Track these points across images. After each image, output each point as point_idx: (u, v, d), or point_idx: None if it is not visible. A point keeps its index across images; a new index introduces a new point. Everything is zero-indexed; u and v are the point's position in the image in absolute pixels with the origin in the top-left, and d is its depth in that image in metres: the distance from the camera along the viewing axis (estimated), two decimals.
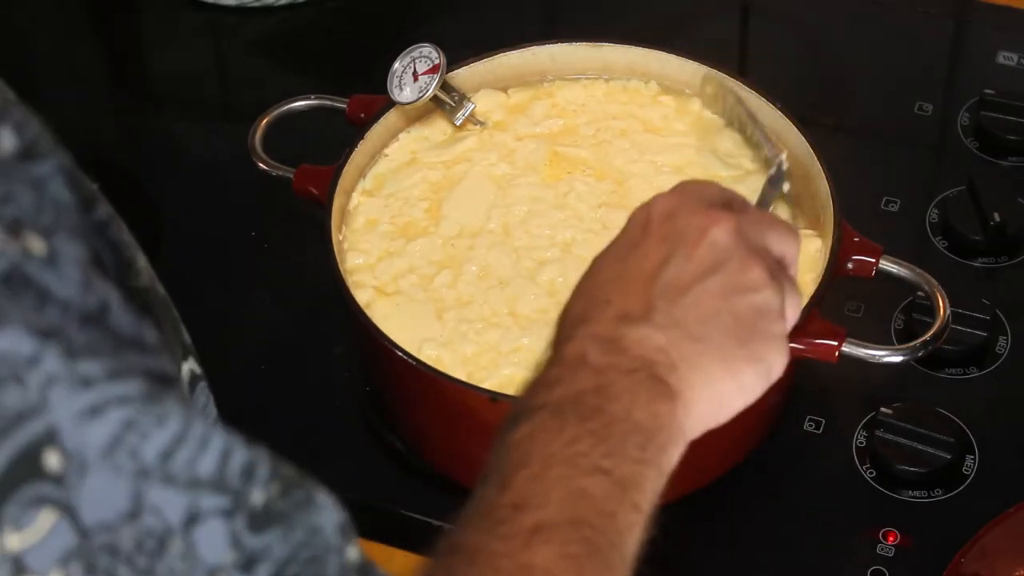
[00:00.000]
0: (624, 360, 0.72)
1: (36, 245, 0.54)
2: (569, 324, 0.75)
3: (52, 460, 0.51)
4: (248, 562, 0.54)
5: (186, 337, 0.74)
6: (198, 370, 0.74)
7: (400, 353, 0.96)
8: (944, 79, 1.28)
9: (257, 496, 0.55)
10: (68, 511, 0.51)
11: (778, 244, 0.80)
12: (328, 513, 0.58)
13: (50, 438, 0.51)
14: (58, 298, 0.53)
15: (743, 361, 0.75)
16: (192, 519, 0.53)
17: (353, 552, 0.58)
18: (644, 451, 0.70)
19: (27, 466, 0.51)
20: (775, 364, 0.77)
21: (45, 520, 0.51)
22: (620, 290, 0.75)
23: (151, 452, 0.53)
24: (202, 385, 0.75)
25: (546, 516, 0.67)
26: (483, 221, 1.06)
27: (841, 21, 1.32)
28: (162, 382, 0.55)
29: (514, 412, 0.72)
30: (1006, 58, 1.27)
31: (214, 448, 0.54)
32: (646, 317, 0.74)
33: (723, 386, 0.75)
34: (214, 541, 0.54)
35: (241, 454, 0.55)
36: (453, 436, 1.01)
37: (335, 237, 1.03)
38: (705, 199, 0.79)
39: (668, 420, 0.72)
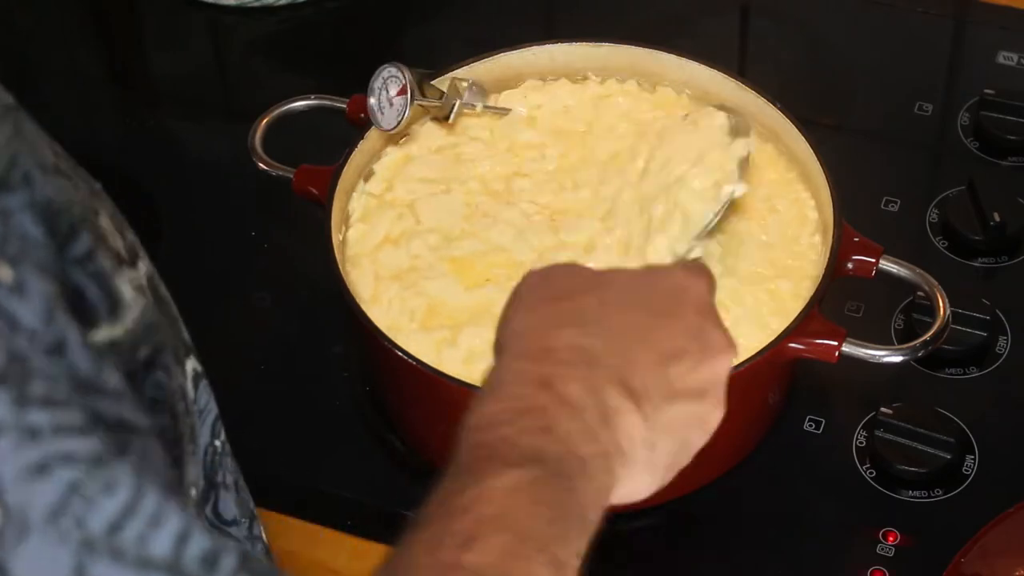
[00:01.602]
0: (609, 440, 0.69)
1: (4, 272, 0.52)
2: (576, 352, 0.71)
3: None
4: None
5: (186, 336, 0.74)
6: (199, 368, 0.74)
7: (400, 353, 0.96)
8: (944, 79, 1.28)
9: None
10: (1, 572, 0.49)
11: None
12: None
13: None
14: (25, 327, 0.52)
15: (656, 480, 0.74)
16: None
17: None
18: (583, 544, 0.67)
19: None
20: (656, 488, 0.75)
21: None
22: (638, 355, 0.72)
23: (98, 522, 0.50)
24: (204, 383, 0.75)
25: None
26: (483, 219, 1.06)
27: (841, 21, 1.32)
28: (119, 427, 0.53)
29: (494, 436, 0.68)
30: (1006, 58, 1.27)
31: (169, 527, 0.52)
32: (644, 401, 0.71)
33: (633, 490, 0.72)
34: None
35: (201, 540, 0.52)
36: (453, 436, 1.01)
37: (335, 237, 1.03)
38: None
39: (603, 515, 0.69)
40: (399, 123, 1.07)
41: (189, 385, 0.71)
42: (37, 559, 0.50)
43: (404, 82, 1.07)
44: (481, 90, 1.11)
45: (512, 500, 0.65)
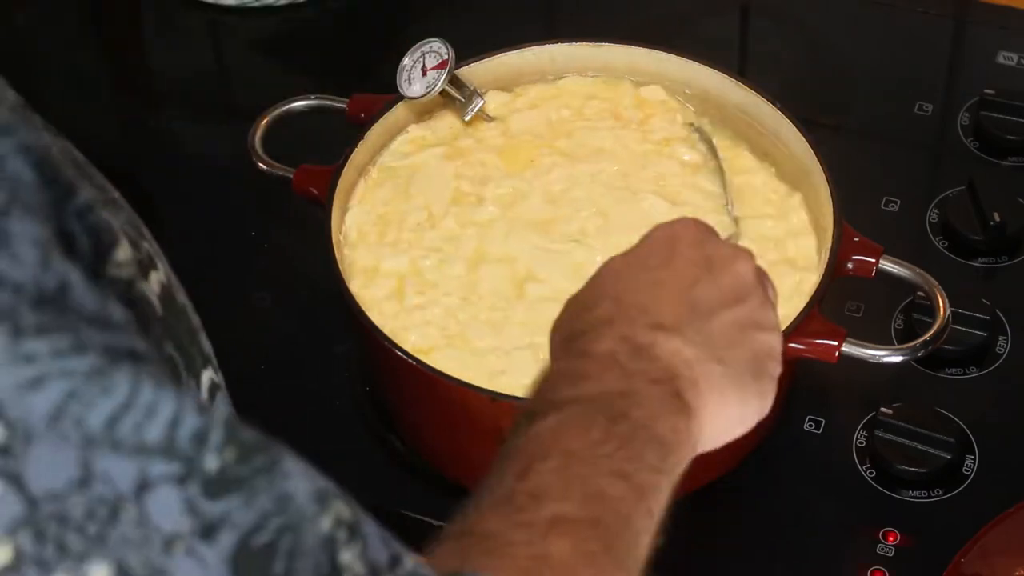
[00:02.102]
0: (652, 368, 0.74)
1: None
2: (593, 322, 0.76)
3: None
4: (207, 529, 0.53)
5: (205, 346, 0.74)
6: (218, 379, 0.74)
7: (400, 353, 0.96)
8: (944, 79, 1.28)
9: (211, 461, 0.54)
10: (15, 481, 0.51)
11: (772, 293, 0.82)
12: (298, 480, 0.57)
13: None
14: (9, 281, 0.52)
15: (753, 393, 0.77)
16: (143, 486, 0.53)
17: (326, 522, 0.57)
18: (662, 462, 0.71)
19: None
20: (767, 404, 0.79)
21: None
22: (653, 300, 0.76)
23: (96, 420, 0.52)
24: (221, 394, 0.75)
25: (565, 510, 0.67)
26: (484, 219, 1.06)
27: (841, 21, 1.32)
28: (127, 357, 0.54)
29: (536, 404, 0.73)
30: (1006, 58, 1.27)
31: (162, 414, 0.54)
32: (678, 330, 0.75)
33: (731, 412, 0.77)
34: (168, 508, 0.53)
35: (192, 420, 0.54)
36: (453, 436, 1.01)
37: (335, 237, 1.03)
38: (721, 235, 0.83)
39: (685, 436, 0.73)
40: (427, 93, 1.08)
41: (205, 396, 0.71)
42: (45, 462, 0.51)
43: (447, 57, 1.08)
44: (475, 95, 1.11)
45: (555, 434, 0.70)
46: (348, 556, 0.57)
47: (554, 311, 0.99)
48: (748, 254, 0.81)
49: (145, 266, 0.69)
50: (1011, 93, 1.21)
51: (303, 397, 1.09)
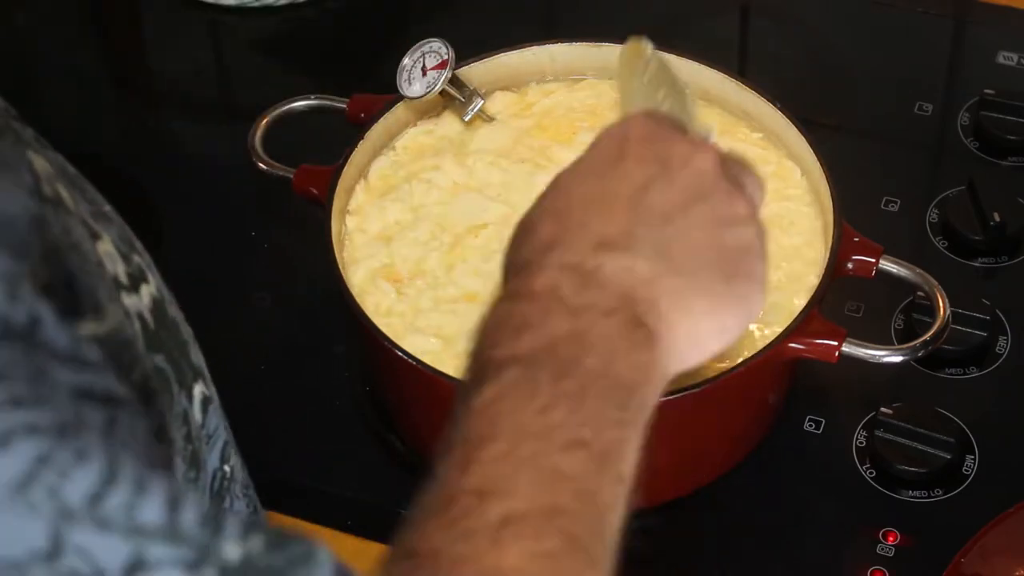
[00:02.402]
0: (603, 297, 0.64)
1: None
2: (534, 248, 0.67)
3: None
4: None
5: (196, 360, 0.72)
6: (209, 392, 0.72)
7: (400, 353, 0.96)
8: (944, 79, 1.28)
9: (231, 550, 0.50)
10: None
11: (750, 184, 0.72)
12: (332, 570, 0.52)
13: None
14: None
15: (727, 300, 0.68)
16: (136, 567, 0.49)
17: None
18: (625, 411, 0.63)
19: None
20: (755, 306, 0.69)
21: None
22: (597, 212, 0.67)
23: (75, 493, 0.49)
24: (214, 407, 0.73)
25: (515, 505, 0.58)
26: (485, 219, 1.06)
27: (841, 21, 1.32)
28: (103, 400, 0.52)
29: (475, 364, 0.64)
30: (1006, 58, 1.27)
31: (155, 493, 0.50)
32: (627, 244, 0.66)
33: (705, 325, 0.67)
34: None
35: (195, 504, 0.51)
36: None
37: (335, 237, 1.03)
38: (679, 128, 0.72)
39: (650, 371, 0.65)
40: (427, 93, 1.08)
41: (196, 410, 0.70)
42: (6, 529, 0.48)
43: (446, 57, 1.08)
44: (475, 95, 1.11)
45: (496, 408, 0.61)
46: None
47: None
48: (708, 146, 0.70)
49: (136, 280, 0.67)
50: (1011, 93, 1.21)
51: (303, 397, 1.09)
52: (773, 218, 1.04)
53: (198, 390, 0.70)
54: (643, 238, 0.66)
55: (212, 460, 0.73)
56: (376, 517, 1.01)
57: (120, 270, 0.65)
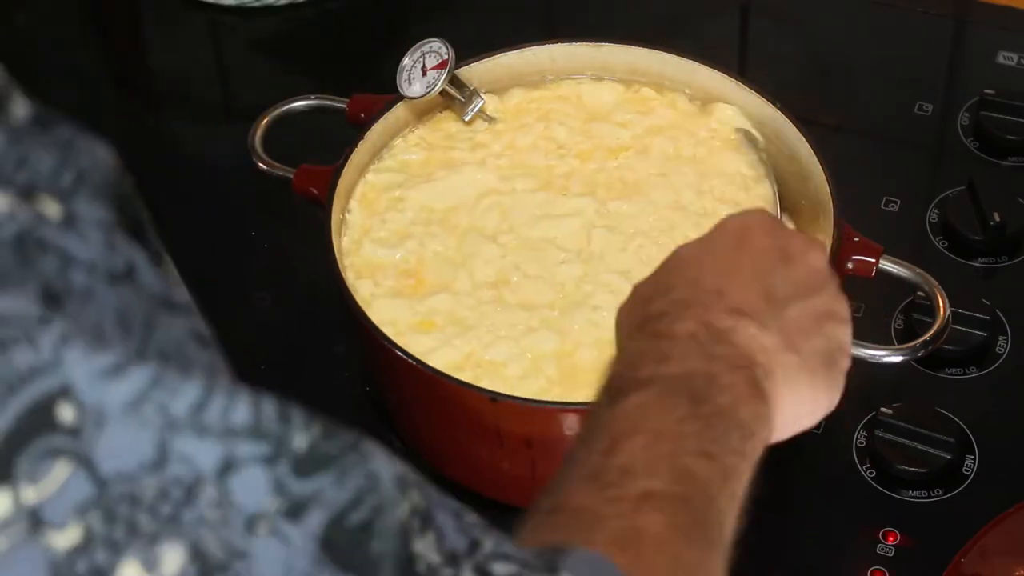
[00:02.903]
0: (732, 354, 0.73)
1: (51, 209, 0.53)
2: (672, 303, 0.76)
3: (67, 413, 0.50)
4: (294, 508, 0.53)
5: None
6: None
7: (400, 353, 0.96)
8: (944, 79, 1.28)
9: (299, 440, 0.55)
10: (84, 462, 0.51)
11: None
12: (381, 462, 0.56)
13: (64, 393, 0.50)
14: (82, 260, 0.52)
15: (823, 386, 0.78)
16: (227, 467, 0.52)
17: (404, 508, 0.55)
18: (744, 445, 0.72)
19: (40, 419, 0.50)
20: (837, 397, 0.79)
21: (60, 472, 0.50)
22: (730, 284, 0.76)
23: (181, 406, 0.52)
24: None
25: (655, 486, 0.67)
26: (485, 219, 1.06)
27: (841, 21, 1.32)
28: (196, 340, 0.55)
29: (617, 381, 0.73)
30: (1006, 58, 1.27)
31: (244, 399, 0.54)
32: (756, 316, 0.75)
33: (803, 403, 0.77)
34: (253, 488, 0.52)
35: (271, 401, 0.55)
36: (453, 436, 1.01)
37: (335, 237, 1.03)
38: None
39: (765, 423, 0.73)
40: (427, 93, 1.07)
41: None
42: (117, 444, 0.51)
43: (446, 57, 1.08)
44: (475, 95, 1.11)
45: (640, 411, 0.70)
46: (421, 545, 0.56)
47: (569, 310, 1.00)
48: (821, 245, 0.81)
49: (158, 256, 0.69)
50: (1011, 93, 1.21)
51: (303, 397, 1.08)
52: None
53: None
54: (768, 314, 0.76)
55: None
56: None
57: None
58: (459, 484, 1.02)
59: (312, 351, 1.11)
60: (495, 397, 0.95)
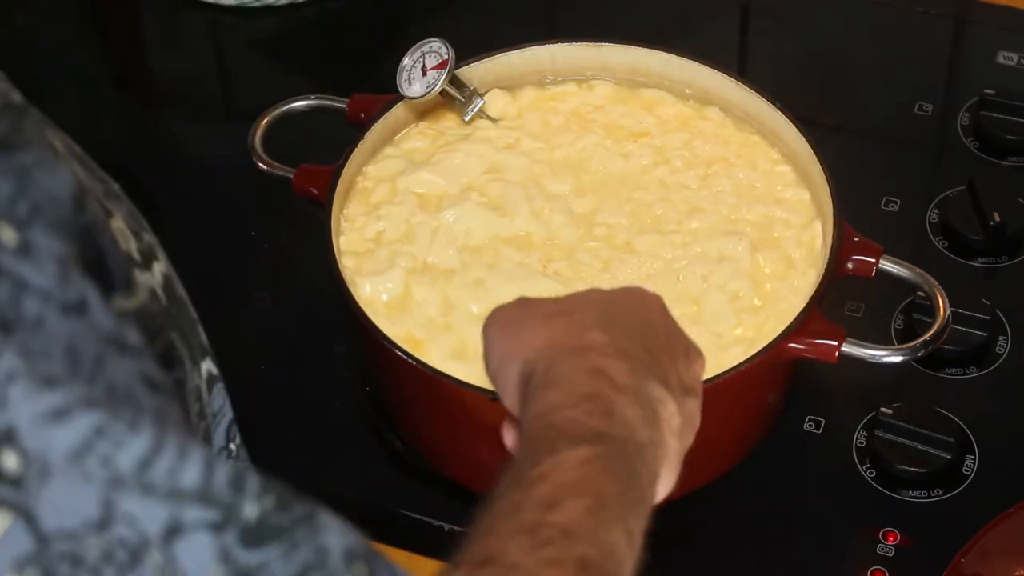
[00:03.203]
0: (655, 429, 0.72)
1: (7, 235, 0.52)
2: (609, 347, 0.73)
3: (10, 461, 0.49)
4: None
5: (203, 338, 0.74)
6: (215, 371, 0.74)
7: (400, 353, 0.96)
8: (944, 79, 1.28)
9: (249, 509, 0.53)
10: (25, 515, 0.49)
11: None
12: (333, 535, 0.55)
13: (7, 438, 0.49)
14: (36, 288, 0.52)
15: (671, 483, 0.75)
16: (173, 531, 0.51)
17: None
18: (645, 521, 0.70)
19: None
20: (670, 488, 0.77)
21: (0, 523, 0.49)
22: (657, 351, 0.74)
23: (127, 461, 0.50)
24: (219, 386, 0.74)
25: (593, 555, 0.64)
26: (484, 220, 1.06)
27: (841, 21, 1.32)
28: (146, 384, 0.54)
29: (561, 418, 0.69)
30: (1006, 58, 1.27)
31: (195, 458, 0.52)
32: (674, 395, 0.74)
33: (668, 484, 0.74)
34: (198, 555, 0.51)
35: (225, 466, 0.53)
36: (453, 436, 1.01)
37: (335, 237, 1.03)
38: None
39: (656, 501, 0.72)
40: (427, 93, 1.07)
41: (204, 387, 0.71)
42: (61, 499, 0.50)
43: (446, 57, 1.08)
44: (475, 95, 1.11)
45: (587, 469, 0.67)
46: None
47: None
48: (702, 355, 0.79)
49: (147, 257, 0.69)
50: (1011, 93, 1.21)
51: (303, 397, 1.09)
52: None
53: (205, 367, 0.72)
54: (678, 398, 0.74)
55: (218, 438, 0.74)
56: (376, 517, 1.01)
57: (132, 247, 0.67)
58: (459, 484, 1.02)
59: (312, 351, 1.11)
60: (495, 397, 0.94)
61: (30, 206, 0.54)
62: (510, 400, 0.74)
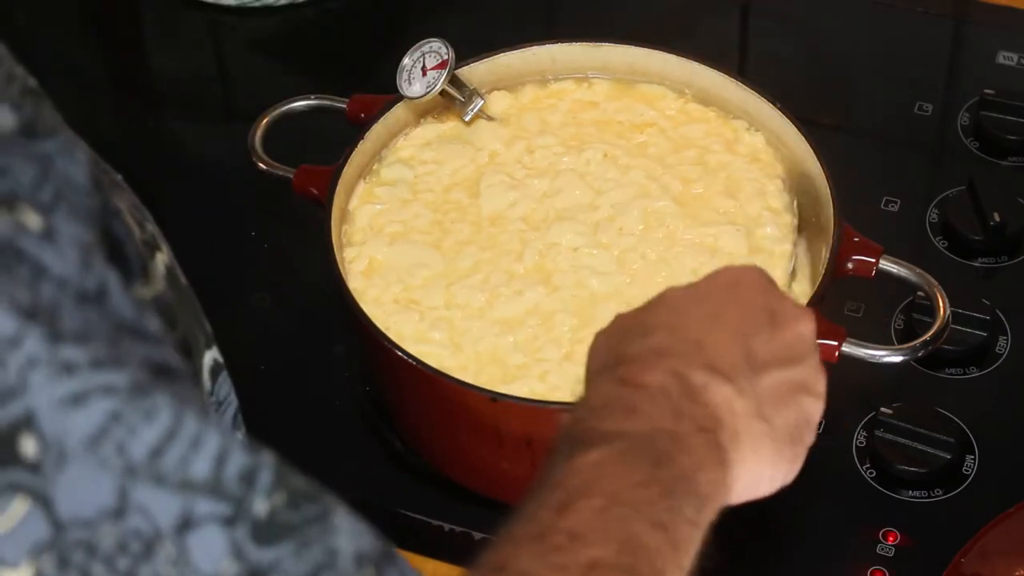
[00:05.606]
0: (702, 414, 0.71)
1: (32, 220, 0.52)
2: (648, 348, 0.73)
3: (28, 446, 0.49)
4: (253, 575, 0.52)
5: (207, 326, 0.74)
6: (220, 359, 0.74)
7: (400, 353, 0.96)
8: (944, 79, 1.28)
9: (260, 505, 0.53)
10: (43, 501, 0.50)
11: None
12: (345, 537, 0.55)
13: (27, 423, 0.49)
14: (54, 274, 0.52)
15: (786, 457, 0.75)
16: (185, 523, 0.51)
17: None
18: (698, 514, 0.69)
19: (2, 451, 0.49)
20: (795, 471, 0.77)
21: (18, 508, 0.49)
22: (711, 339, 0.74)
23: (139, 448, 0.51)
24: (224, 375, 0.75)
25: (603, 555, 0.64)
26: (484, 221, 1.06)
27: (841, 21, 1.32)
28: (162, 372, 0.54)
29: (578, 430, 0.70)
30: (1006, 58, 1.27)
31: (208, 449, 0.52)
32: (732, 377, 0.73)
33: (763, 472, 0.75)
34: (211, 550, 0.51)
35: (239, 457, 0.53)
36: (453, 436, 1.01)
37: (335, 237, 1.03)
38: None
39: (721, 489, 0.71)
40: (427, 93, 1.07)
41: (206, 376, 0.71)
42: (77, 486, 0.50)
43: (446, 57, 1.07)
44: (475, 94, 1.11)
45: (599, 470, 0.67)
46: None
47: (561, 316, 1.00)
48: (811, 315, 0.78)
49: (151, 247, 0.69)
50: (1011, 93, 1.21)
51: (303, 397, 1.09)
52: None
53: (209, 356, 0.72)
54: (745, 376, 0.73)
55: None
56: (376, 517, 1.01)
57: (137, 238, 0.67)
58: (459, 484, 1.02)
59: (312, 351, 1.11)
60: (495, 397, 0.95)
61: (54, 191, 0.54)
62: None
